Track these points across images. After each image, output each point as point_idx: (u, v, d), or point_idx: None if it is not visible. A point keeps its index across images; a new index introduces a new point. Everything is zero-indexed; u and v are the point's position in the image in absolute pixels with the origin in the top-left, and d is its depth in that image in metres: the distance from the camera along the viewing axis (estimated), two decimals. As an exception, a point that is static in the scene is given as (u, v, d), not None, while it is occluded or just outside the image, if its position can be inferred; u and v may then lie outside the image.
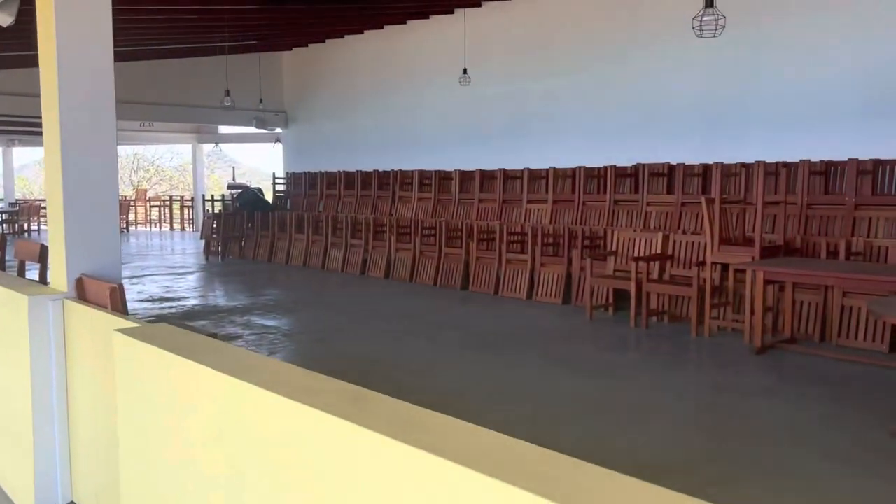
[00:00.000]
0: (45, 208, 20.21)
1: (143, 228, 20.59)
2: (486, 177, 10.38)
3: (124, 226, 18.70)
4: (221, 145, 18.75)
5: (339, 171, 12.84)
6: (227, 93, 11.86)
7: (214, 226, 13.03)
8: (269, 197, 14.25)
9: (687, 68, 8.69)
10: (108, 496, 2.82)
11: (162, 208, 20.71)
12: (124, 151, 27.01)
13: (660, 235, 7.23)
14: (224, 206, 14.80)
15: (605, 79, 9.58)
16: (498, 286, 8.71)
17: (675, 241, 7.17)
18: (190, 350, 2.10)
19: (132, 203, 20.32)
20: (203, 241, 13.64)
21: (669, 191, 8.37)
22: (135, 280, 10.16)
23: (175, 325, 2.51)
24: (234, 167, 22.06)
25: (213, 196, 17.17)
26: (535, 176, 9.76)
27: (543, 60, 10.26)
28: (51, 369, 3.00)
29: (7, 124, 12.57)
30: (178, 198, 21.28)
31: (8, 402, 3.24)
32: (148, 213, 20.86)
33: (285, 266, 11.78)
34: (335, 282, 10.26)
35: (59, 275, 3.11)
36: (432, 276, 9.52)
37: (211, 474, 1.95)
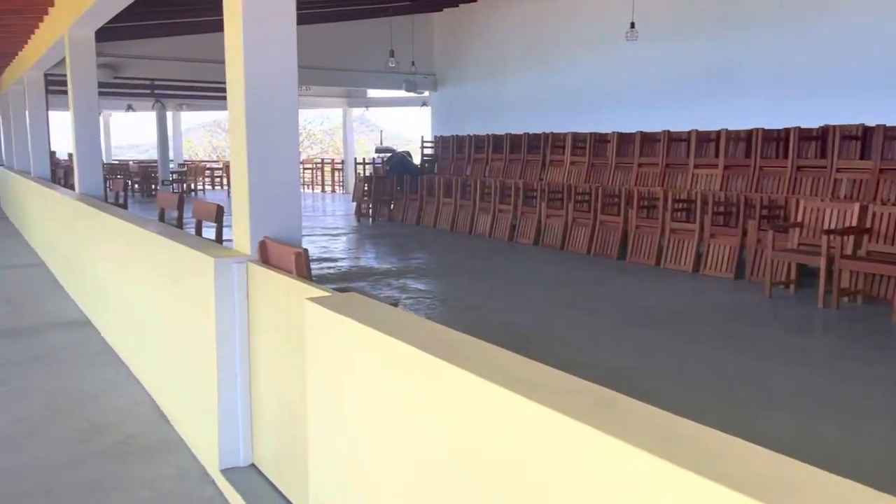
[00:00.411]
0: (209, 169, 21.60)
1: (296, 190, 21.46)
2: (647, 139, 9.75)
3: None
4: (366, 110, 19.04)
5: (487, 135, 12.60)
6: (392, 53, 11.90)
7: (366, 189, 13.24)
8: (416, 161, 14.30)
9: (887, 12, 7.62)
10: (288, 462, 2.77)
11: (314, 171, 21.46)
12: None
13: (856, 206, 6.42)
14: (374, 169, 15.04)
15: (787, 31, 8.63)
16: (660, 257, 8.17)
17: (874, 213, 6.34)
18: (383, 323, 1.94)
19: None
20: (354, 204, 13.94)
21: (864, 156, 7.43)
22: (293, 240, 10.50)
23: (362, 294, 2.37)
24: (381, 131, 22.45)
25: (364, 160, 17.52)
26: (703, 138, 9.03)
27: (719, 12, 9.41)
28: (234, 332, 2.99)
29: (177, 89, 13.37)
30: (329, 161, 21.96)
31: (194, 364, 3.30)
32: (300, 175, 21.72)
33: (433, 230, 11.77)
34: (483, 247, 10.10)
35: (242, 237, 3.08)
36: (585, 245, 9.12)
37: (403, 454, 1.78)
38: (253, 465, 3.05)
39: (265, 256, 2.97)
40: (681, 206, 8.22)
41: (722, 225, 7.73)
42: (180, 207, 5.58)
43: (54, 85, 10.67)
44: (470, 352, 1.69)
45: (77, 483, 3.04)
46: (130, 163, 20.39)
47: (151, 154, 33.46)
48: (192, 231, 5.05)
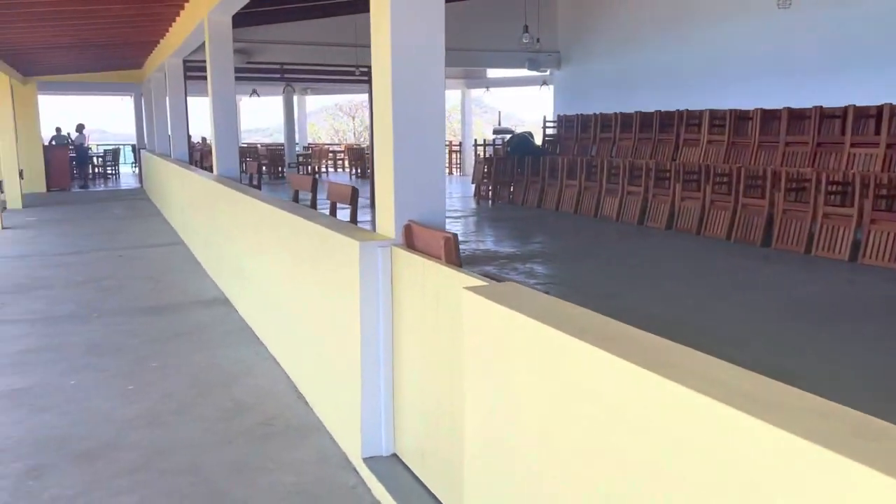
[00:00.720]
0: (332, 152, 22.13)
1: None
2: (795, 116, 8.98)
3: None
4: (486, 91, 18.81)
5: (614, 113, 12.09)
6: (526, 28, 11.64)
7: (486, 170, 13.07)
8: (537, 142, 13.96)
9: None
10: (433, 454, 2.64)
11: (431, 152, 21.52)
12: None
13: None
14: (494, 150, 14.83)
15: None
16: (810, 244, 7.51)
17: None
18: (553, 317, 1.74)
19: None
20: (473, 185, 13.81)
21: None
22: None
23: (519, 283, 2.18)
24: (499, 112, 22.18)
25: (484, 140, 17.34)
26: (861, 115, 8.20)
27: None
28: (378, 318, 2.89)
29: (305, 73, 13.65)
30: (447, 143, 21.95)
31: (335, 348, 3.24)
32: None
33: (555, 212, 11.44)
34: (611, 231, 9.69)
35: (386, 220, 2.96)
36: (725, 229, 8.53)
37: (581, 465, 1.58)
38: (395, 455, 2.96)
39: (410, 241, 2.84)
40: (835, 188, 7.50)
41: (885, 210, 6.98)
42: (314, 189, 5.60)
43: (190, 71, 11.15)
44: (669, 357, 1.46)
45: (224, 462, 3.05)
46: (259, 146, 21.23)
47: (275, 138, 34.84)
48: (327, 212, 5.05)
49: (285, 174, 18.03)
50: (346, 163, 22.01)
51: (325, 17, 11.50)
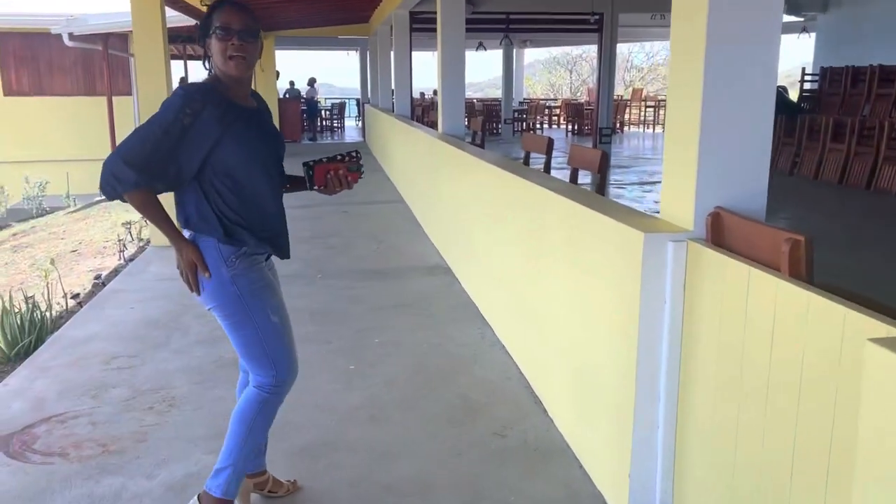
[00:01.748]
0: (548, 108, 21.29)
1: (636, 129, 20.21)
2: None
3: (617, 126, 18.48)
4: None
5: (897, 65, 10.02)
6: None
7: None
8: (792, 97, 12.11)
9: None
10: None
11: (657, 109, 19.92)
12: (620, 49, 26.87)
13: None
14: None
15: None
16: None
17: None
18: None
19: (628, 103, 20.01)
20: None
21: None
22: (646, 187, 9.50)
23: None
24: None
25: None
26: None
27: None
28: (662, 333, 2.18)
29: (527, 22, 12.86)
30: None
31: (592, 357, 2.59)
32: (642, 113, 20.31)
33: (813, 181, 9.79)
34: (893, 208, 8.01)
35: (679, 203, 2.22)
36: None
37: None
38: (671, 509, 2.27)
39: (718, 235, 2.08)
40: None
41: None
42: (549, 152, 4.94)
43: (415, 23, 10.89)
44: None
45: (454, 483, 2.56)
46: (475, 101, 20.97)
47: (486, 93, 34.62)
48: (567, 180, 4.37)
49: (522, 134, 17.55)
50: (562, 119, 21.11)
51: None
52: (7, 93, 14.74)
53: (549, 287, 3.10)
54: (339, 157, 2.28)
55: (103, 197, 2.02)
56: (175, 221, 2.14)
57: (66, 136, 14.38)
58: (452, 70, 6.54)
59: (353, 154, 2.30)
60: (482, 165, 4.42)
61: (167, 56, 6.06)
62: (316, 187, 2.29)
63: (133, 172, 1.98)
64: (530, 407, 3.16)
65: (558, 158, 9.31)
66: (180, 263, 2.13)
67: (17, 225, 12.19)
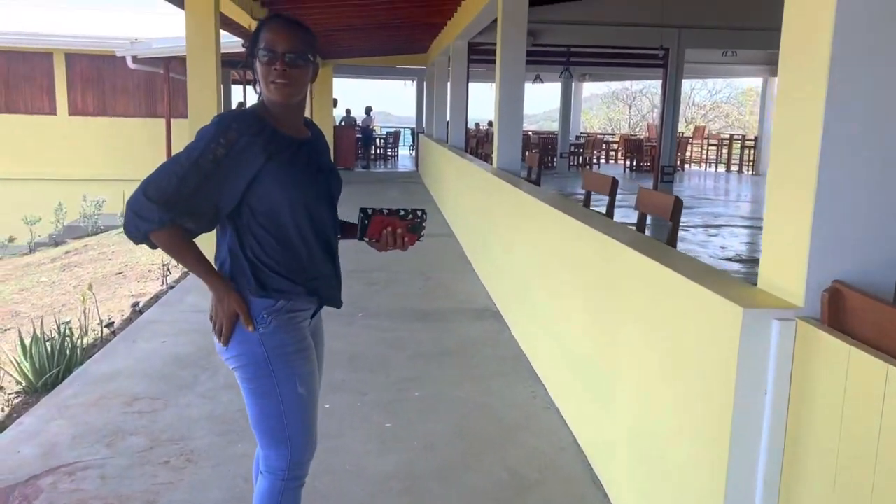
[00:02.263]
0: (605, 142, 20.85)
1: (697, 168, 19.57)
2: None
3: (678, 163, 17.90)
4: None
5: None
6: None
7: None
8: None
9: None
10: None
11: (719, 147, 19.25)
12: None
13: None
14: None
15: None
16: None
17: None
18: None
19: (690, 140, 19.42)
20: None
21: None
22: (711, 230, 8.99)
23: None
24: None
25: None
26: None
27: None
28: (761, 432, 1.79)
29: (588, 56, 12.52)
30: (739, 137, 19.50)
31: (668, 438, 2.20)
32: (704, 151, 19.64)
33: None
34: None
35: (782, 271, 1.84)
36: None
37: None
38: None
39: (837, 316, 1.68)
40: None
41: None
42: (613, 193, 4.58)
43: (473, 54, 10.69)
44: None
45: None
46: (530, 133, 20.69)
47: (541, 125, 34.29)
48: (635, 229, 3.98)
49: (579, 169, 17.18)
50: (620, 154, 20.64)
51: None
52: (72, 112, 15.10)
53: (617, 351, 2.72)
54: (401, 213, 1.96)
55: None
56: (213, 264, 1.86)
57: (126, 157, 14.60)
58: (510, 104, 6.25)
59: (419, 214, 1.99)
60: (541, 207, 4.08)
61: (219, 79, 5.93)
62: (367, 238, 1.97)
63: (157, 209, 1.68)
64: (587, 488, 2.77)
65: (624, 203, 8.91)
66: (216, 311, 1.82)
67: (71, 242, 12.35)
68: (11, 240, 13.27)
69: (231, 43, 9.14)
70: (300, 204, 1.82)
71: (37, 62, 14.92)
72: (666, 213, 3.58)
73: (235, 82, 16.79)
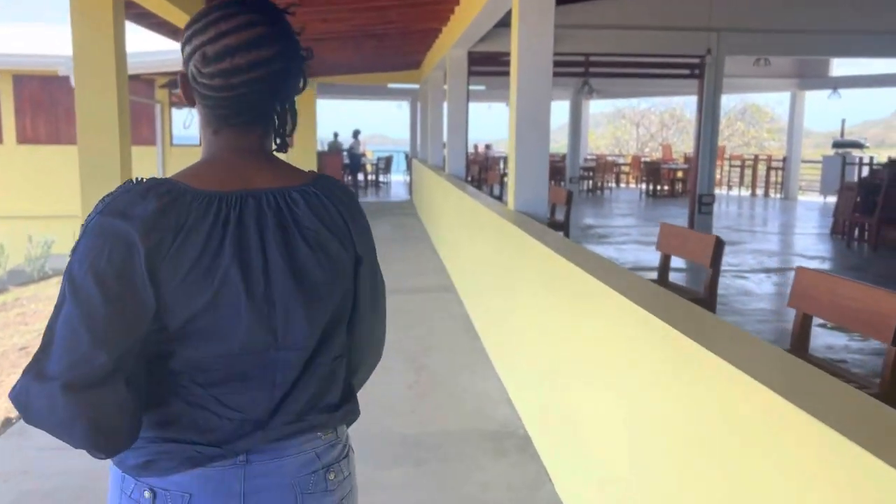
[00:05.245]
0: (616, 165, 19.17)
1: (718, 191, 17.89)
2: None
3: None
4: (832, 92, 14.42)
5: None
6: None
7: (859, 199, 9.32)
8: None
9: None
10: None
11: (743, 169, 17.56)
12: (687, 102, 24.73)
13: None
14: (873, 171, 10.85)
15: None
16: None
17: None
18: None
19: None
20: (832, 219, 10.12)
21: None
22: (773, 276, 7.26)
23: None
24: (843, 120, 17.42)
25: (860, 159, 13.11)
26: None
27: None
28: None
29: (608, 65, 10.69)
30: (765, 157, 17.83)
31: None
32: (726, 173, 17.92)
33: None
34: None
35: None
36: None
37: None
38: None
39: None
40: None
41: None
42: (716, 261, 2.85)
43: (473, 65, 9.03)
44: None
45: None
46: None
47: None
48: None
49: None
50: (631, 177, 19.00)
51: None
52: (20, 140, 13.40)
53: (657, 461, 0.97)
54: None
55: None
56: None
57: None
58: (532, 128, 4.56)
59: None
60: (591, 283, 2.35)
61: (123, 99, 4.24)
62: None
63: None
64: None
65: (651, 238, 7.18)
66: None
67: (13, 290, 10.66)
68: (-60, 290, 11.51)
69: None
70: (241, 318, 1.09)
71: (-22, 86, 13.25)
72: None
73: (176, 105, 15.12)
